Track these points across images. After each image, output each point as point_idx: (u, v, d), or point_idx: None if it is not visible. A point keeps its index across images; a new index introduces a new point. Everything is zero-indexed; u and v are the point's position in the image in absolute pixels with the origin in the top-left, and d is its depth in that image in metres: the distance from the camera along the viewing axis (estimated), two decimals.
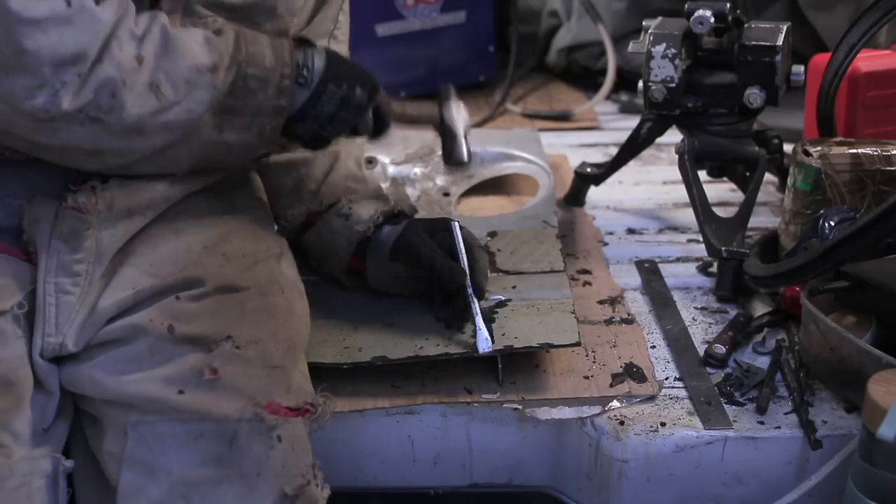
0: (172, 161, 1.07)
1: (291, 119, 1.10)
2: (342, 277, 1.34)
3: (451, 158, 1.28)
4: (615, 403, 1.17)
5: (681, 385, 1.21)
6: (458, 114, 1.28)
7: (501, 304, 1.28)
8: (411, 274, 1.27)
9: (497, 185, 1.73)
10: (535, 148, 1.79)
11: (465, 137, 1.28)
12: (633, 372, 1.22)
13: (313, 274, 1.35)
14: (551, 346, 1.20)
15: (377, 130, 1.20)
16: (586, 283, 1.42)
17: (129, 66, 0.99)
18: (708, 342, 1.27)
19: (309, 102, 1.10)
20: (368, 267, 1.30)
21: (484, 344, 1.18)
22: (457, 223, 1.27)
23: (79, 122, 0.98)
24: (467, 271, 1.23)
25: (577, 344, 1.19)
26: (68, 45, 0.95)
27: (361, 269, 1.31)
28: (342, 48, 1.35)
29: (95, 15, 0.97)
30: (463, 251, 1.24)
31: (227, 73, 1.04)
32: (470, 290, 1.22)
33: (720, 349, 1.24)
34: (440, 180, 1.72)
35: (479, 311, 1.21)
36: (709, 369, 1.23)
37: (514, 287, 1.32)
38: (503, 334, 1.21)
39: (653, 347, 1.28)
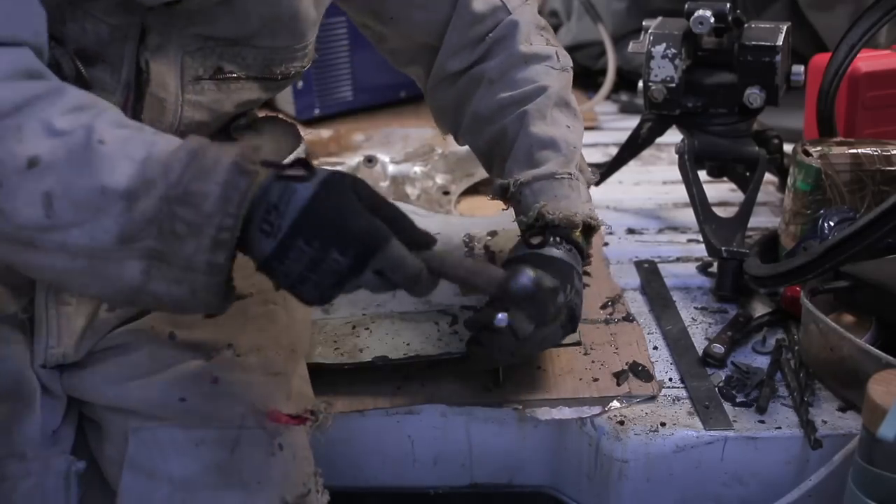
0: (91, 293, 0.93)
1: (261, 267, 0.88)
2: None
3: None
4: (615, 403, 1.17)
5: (681, 385, 1.21)
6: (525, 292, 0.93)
7: None
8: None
9: None
10: None
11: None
12: (637, 370, 1.22)
13: None
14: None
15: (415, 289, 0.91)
16: (586, 284, 1.42)
17: (13, 166, 0.80)
18: (708, 341, 1.27)
19: (275, 255, 0.85)
20: None
21: None
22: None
23: None
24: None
25: (578, 343, 1.19)
26: None
27: None
28: None
29: None
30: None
31: (150, 206, 0.82)
32: None
33: (719, 349, 1.24)
34: (440, 179, 1.72)
35: None
36: (709, 370, 1.23)
37: None
38: None
39: (654, 349, 1.28)
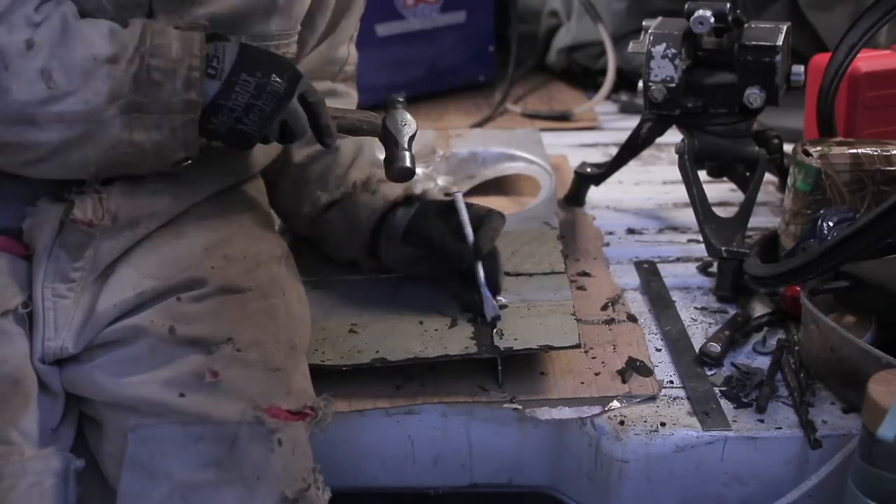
0: (78, 162, 1.03)
1: (205, 113, 1.05)
2: (361, 258, 1.34)
3: (392, 167, 1.19)
4: (615, 403, 1.17)
5: (680, 385, 1.21)
6: (404, 124, 1.20)
7: (502, 305, 1.28)
8: (423, 256, 1.29)
9: (498, 186, 1.73)
10: (537, 148, 1.78)
11: (410, 148, 1.20)
12: (636, 366, 1.22)
13: (324, 263, 1.37)
14: (551, 347, 1.20)
15: (317, 130, 1.12)
16: (586, 284, 1.42)
17: (15, 49, 0.96)
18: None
19: (221, 93, 1.04)
20: (381, 248, 1.31)
21: (491, 311, 1.23)
22: (460, 194, 1.28)
23: None
24: (472, 246, 1.25)
25: (578, 346, 1.19)
26: None
27: (376, 248, 1.32)
28: (353, 48, 1.37)
29: None
30: (467, 223, 1.26)
31: (130, 65, 1.00)
32: (478, 264, 1.25)
33: (715, 348, 1.24)
34: (441, 180, 1.72)
35: (483, 280, 1.24)
36: (709, 370, 1.23)
37: (514, 288, 1.32)
38: (503, 335, 1.21)
39: (657, 350, 1.28)
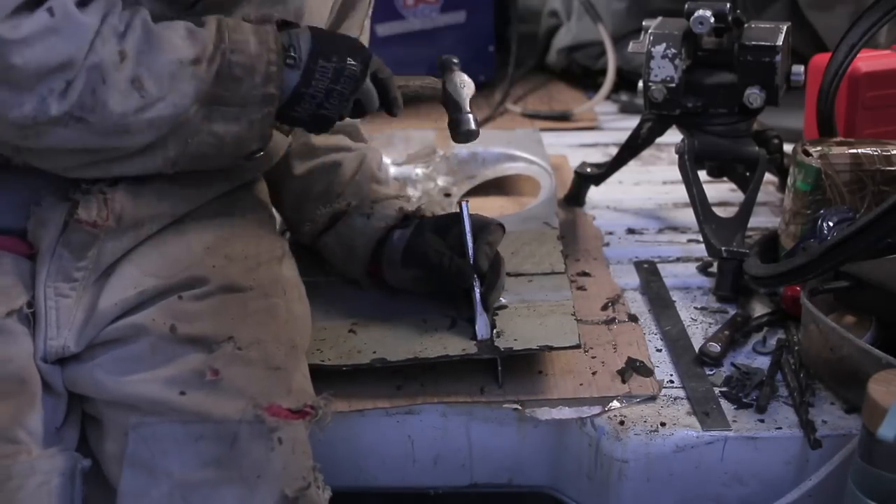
0: (160, 157, 1.06)
1: (288, 102, 1.08)
2: (362, 279, 1.33)
3: (459, 131, 1.22)
4: (615, 403, 1.17)
5: (680, 385, 1.21)
6: (463, 85, 1.24)
7: (502, 306, 1.28)
8: (424, 276, 1.27)
9: (498, 186, 1.73)
10: (537, 149, 1.79)
11: (472, 110, 1.23)
12: (636, 366, 1.22)
13: (325, 276, 1.36)
14: (551, 347, 1.20)
15: (386, 104, 1.16)
16: (586, 284, 1.42)
17: (111, 62, 0.97)
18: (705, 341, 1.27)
19: (302, 82, 1.07)
20: (385, 271, 1.30)
21: (483, 330, 1.21)
22: (466, 204, 1.26)
23: (63, 125, 0.98)
24: (472, 262, 1.23)
25: (578, 346, 1.19)
26: (55, 56, 0.95)
27: (379, 271, 1.31)
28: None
29: (80, 21, 0.96)
30: (469, 238, 1.24)
31: (211, 64, 1.02)
32: (475, 285, 1.23)
33: (715, 347, 1.24)
34: (441, 181, 1.72)
35: (479, 297, 1.22)
36: (709, 370, 1.23)
37: (514, 289, 1.32)
38: (503, 336, 1.21)
39: (657, 350, 1.28)
